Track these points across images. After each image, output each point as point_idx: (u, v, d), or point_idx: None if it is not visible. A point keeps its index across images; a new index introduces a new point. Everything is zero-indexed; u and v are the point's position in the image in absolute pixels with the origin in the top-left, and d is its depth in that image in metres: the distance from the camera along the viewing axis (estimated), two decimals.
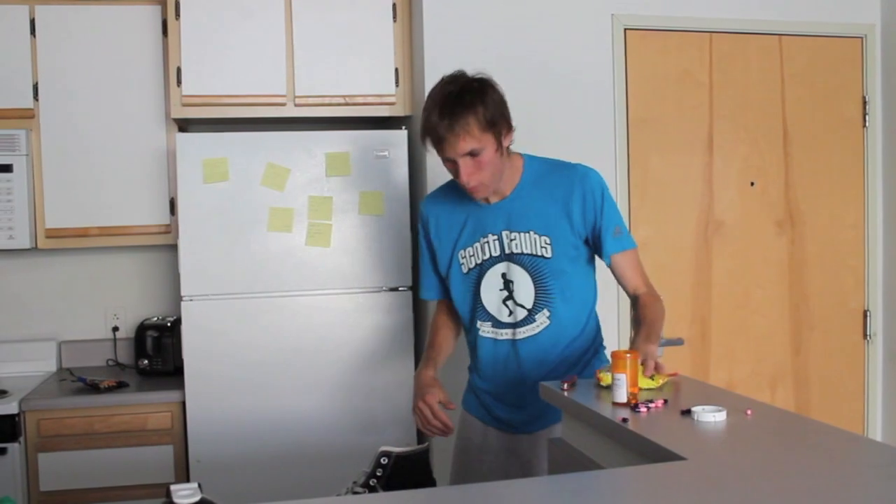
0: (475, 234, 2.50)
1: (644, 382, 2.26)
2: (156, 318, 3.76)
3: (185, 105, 3.44)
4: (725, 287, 3.67)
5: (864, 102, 3.77)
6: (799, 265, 3.74)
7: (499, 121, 2.34)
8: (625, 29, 3.53)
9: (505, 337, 2.50)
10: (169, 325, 3.67)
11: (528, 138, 3.44)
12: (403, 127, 3.42)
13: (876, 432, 3.80)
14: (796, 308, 3.74)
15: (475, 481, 2.51)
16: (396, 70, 3.53)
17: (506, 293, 2.49)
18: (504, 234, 2.46)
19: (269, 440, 3.28)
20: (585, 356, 2.55)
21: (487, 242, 2.48)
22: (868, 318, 3.80)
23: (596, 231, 2.44)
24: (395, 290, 3.37)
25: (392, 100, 3.52)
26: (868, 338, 3.80)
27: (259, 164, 3.26)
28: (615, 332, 3.52)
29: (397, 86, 3.54)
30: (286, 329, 3.30)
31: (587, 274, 2.54)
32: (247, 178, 3.25)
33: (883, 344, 3.81)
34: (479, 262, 2.50)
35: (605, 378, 2.26)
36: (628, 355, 2.18)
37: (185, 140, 3.27)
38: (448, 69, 3.34)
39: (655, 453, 1.82)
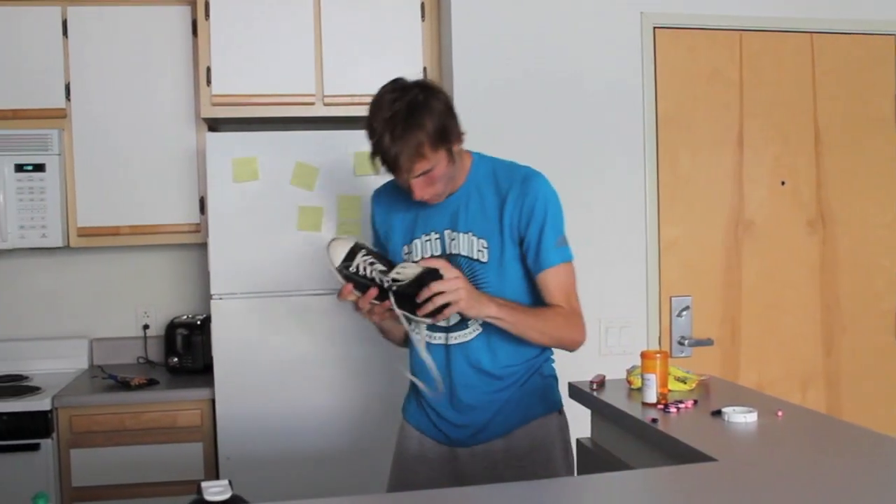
0: (420, 229, 2.39)
1: (674, 384, 2.25)
2: (185, 317, 3.79)
3: (214, 105, 3.46)
4: (755, 287, 3.64)
5: None
6: (831, 265, 3.70)
7: (449, 132, 2.20)
8: (654, 27, 3.51)
9: (438, 341, 2.37)
10: (199, 323, 3.70)
11: (554, 136, 3.45)
12: None
13: None
14: (828, 308, 3.71)
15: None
16: (425, 69, 3.54)
17: None
18: (446, 233, 2.36)
19: (297, 438, 3.29)
20: (524, 372, 2.39)
21: (430, 240, 2.38)
22: None
23: (526, 241, 2.30)
24: None
25: None
26: None
27: (288, 164, 3.27)
28: (644, 336, 3.51)
29: None
30: (315, 327, 3.32)
31: (529, 283, 2.36)
32: (276, 178, 3.27)
33: None
34: (419, 259, 2.37)
35: (636, 381, 2.25)
36: (658, 355, 2.18)
37: (215, 139, 3.29)
38: (476, 67, 3.39)
39: (685, 454, 1.81)
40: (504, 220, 2.30)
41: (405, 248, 2.42)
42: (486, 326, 2.31)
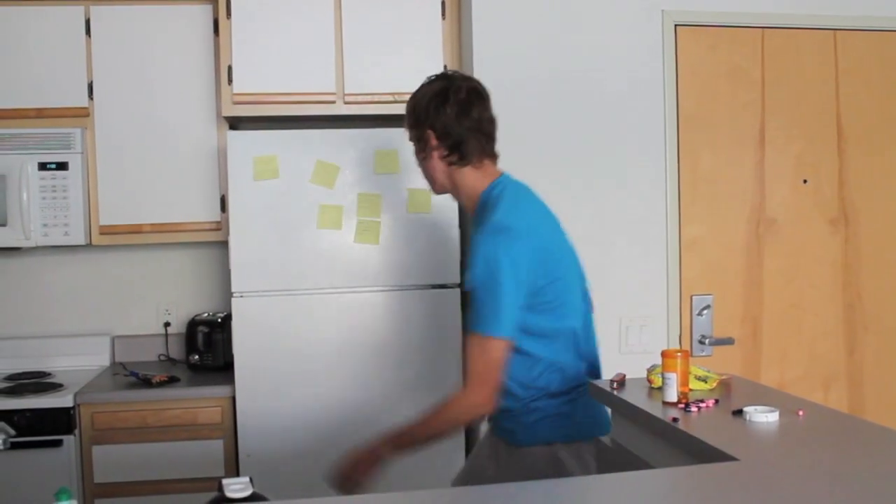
0: None
1: (695, 384, 2.24)
2: (206, 314, 3.81)
3: (235, 103, 3.47)
4: (777, 286, 3.62)
5: None
6: (853, 264, 3.67)
7: (417, 119, 2.37)
8: (675, 25, 3.49)
9: None
10: (219, 320, 3.72)
11: (575, 134, 3.45)
12: None
13: None
14: (850, 307, 3.68)
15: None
16: (445, 67, 3.53)
17: None
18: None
19: (317, 436, 3.30)
20: (522, 397, 2.39)
21: None
22: None
23: None
24: (442, 287, 3.37)
25: None
26: None
27: (308, 162, 3.28)
28: (664, 335, 3.50)
29: None
30: (335, 325, 3.32)
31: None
32: (296, 176, 3.28)
33: None
34: None
35: (657, 380, 2.24)
36: (679, 354, 2.17)
37: (236, 138, 3.30)
38: (497, 65, 3.39)
39: (706, 453, 1.80)
40: None
41: None
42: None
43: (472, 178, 2.39)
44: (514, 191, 2.39)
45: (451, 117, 2.32)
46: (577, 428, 2.39)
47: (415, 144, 2.42)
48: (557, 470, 2.34)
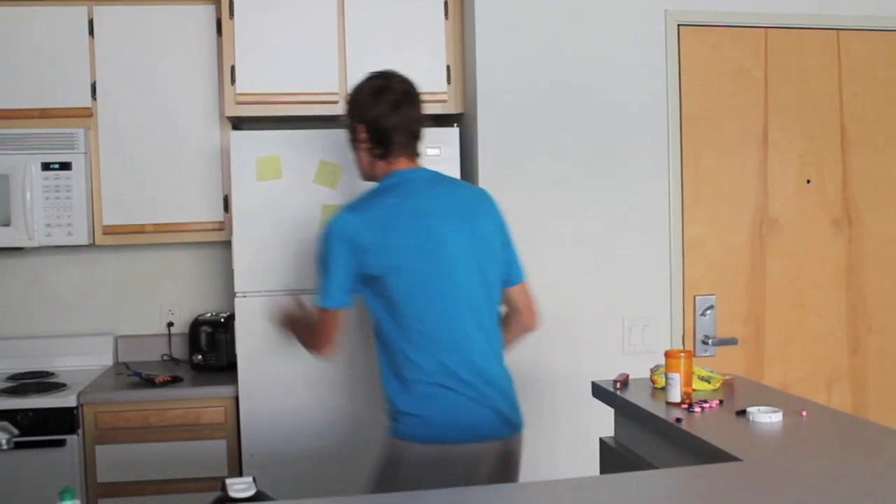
0: None
1: (698, 384, 2.25)
2: (210, 314, 3.81)
3: (238, 103, 3.47)
4: (780, 286, 3.62)
5: None
6: (856, 264, 3.67)
7: (351, 115, 2.55)
8: (678, 25, 3.49)
9: None
10: (222, 320, 3.72)
11: (578, 134, 3.45)
12: (455, 124, 3.42)
13: None
14: (853, 308, 3.68)
15: None
16: (448, 67, 3.53)
17: None
18: None
19: (320, 435, 3.30)
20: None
21: None
22: None
23: None
24: None
25: (444, 97, 3.52)
26: None
27: (311, 162, 3.28)
28: (667, 335, 3.50)
29: (449, 83, 3.54)
30: None
31: (369, 299, 2.52)
32: (299, 176, 3.28)
33: None
34: None
35: (660, 381, 2.24)
36: (682, 354, 2.17)
37: (239, 138, 3.30)
38: (499, 65, 3.39)
39: (710, 454, 1.81)
40: None
41: None
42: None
43: (383, 170, 2.54)
44: (385, 185, 2.52)
45: (381, 113, 2.48)
46: (428, 430, 2.41)
47: (348, 134, 2.57)
48: (393, 467, 2.42)
